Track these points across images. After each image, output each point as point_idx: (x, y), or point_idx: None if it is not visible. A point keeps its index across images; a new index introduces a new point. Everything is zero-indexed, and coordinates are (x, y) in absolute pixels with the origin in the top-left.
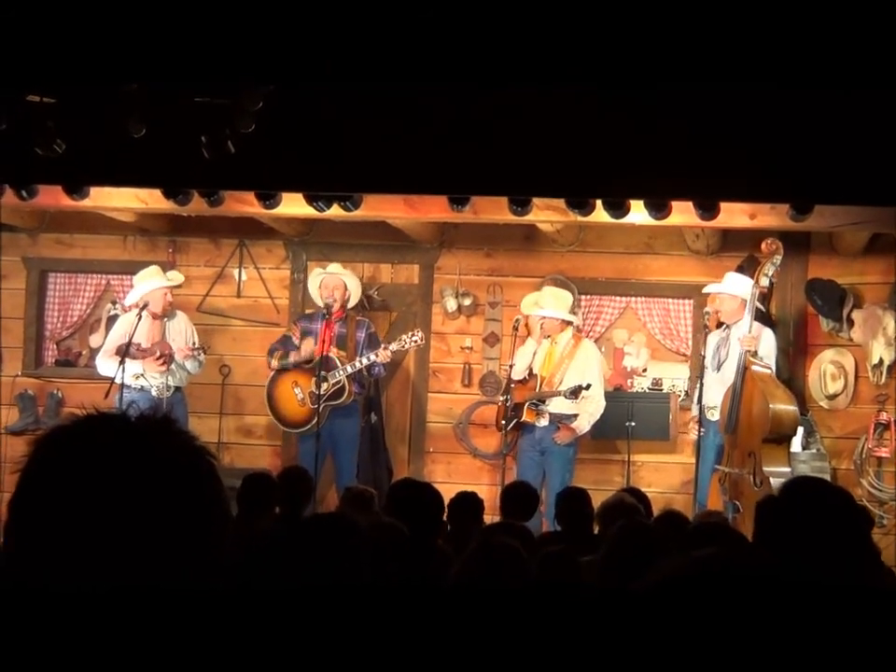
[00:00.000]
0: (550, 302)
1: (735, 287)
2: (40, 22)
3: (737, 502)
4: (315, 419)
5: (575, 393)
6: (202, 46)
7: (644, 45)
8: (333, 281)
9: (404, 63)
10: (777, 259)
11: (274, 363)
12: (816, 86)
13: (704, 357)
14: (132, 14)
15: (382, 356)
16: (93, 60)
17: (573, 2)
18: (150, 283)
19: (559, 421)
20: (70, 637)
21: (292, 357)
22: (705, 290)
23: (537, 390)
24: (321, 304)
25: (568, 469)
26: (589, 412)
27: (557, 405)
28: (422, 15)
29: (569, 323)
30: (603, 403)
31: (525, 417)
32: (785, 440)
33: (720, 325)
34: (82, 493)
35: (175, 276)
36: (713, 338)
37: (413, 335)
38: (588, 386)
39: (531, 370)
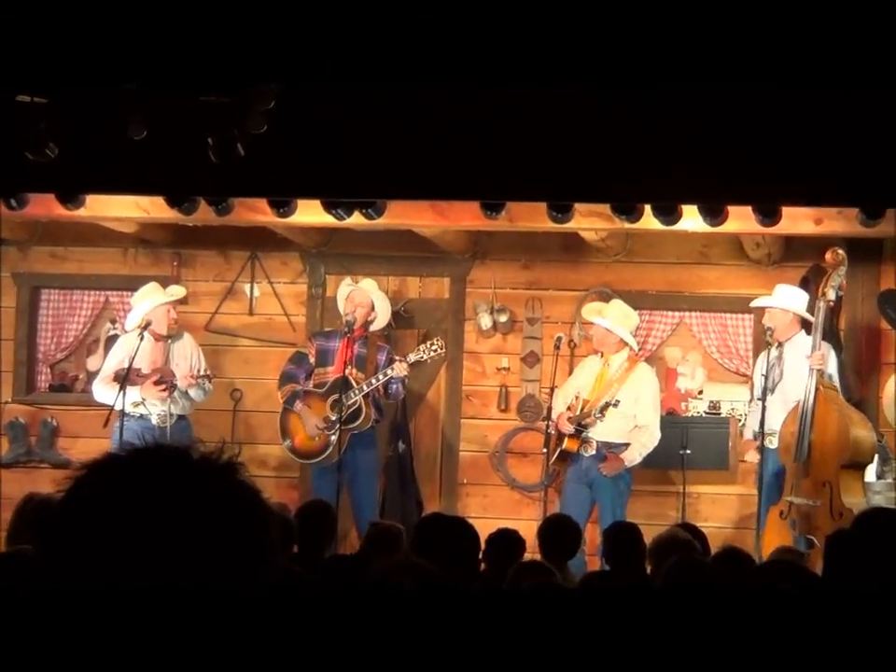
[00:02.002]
0: (614, 315)
1: (785, 301)
2: (35, 18)
3: (811, 537)
4: (331, 449)
5: (603, 410)
6: (201, 47)
7: (645, 45)
8: (361, 297)
9: (404, 62)
10: (843, 269)
11: (280, 398)
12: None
13: (766, 378)
14: (130, 15)
15: (398, 368)
16: (90, 59)
17: (573, 2)
18: (150, 300)
19: (608, 450)
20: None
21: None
22: (752, 304)
23: (577, 414)
24: (343, 316)
25: (620, 504)
26: (642, 442)
27: (605, 432)
28: (422, 15)
29: (626, 344)
30: (658, 435)
31: (567, 445)
32: (861, 468)
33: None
34: (131, 523)
35: (177, 291)
36: (763, 358)
37: (432, 344)
38: (616, 403)
39: (577, 394)
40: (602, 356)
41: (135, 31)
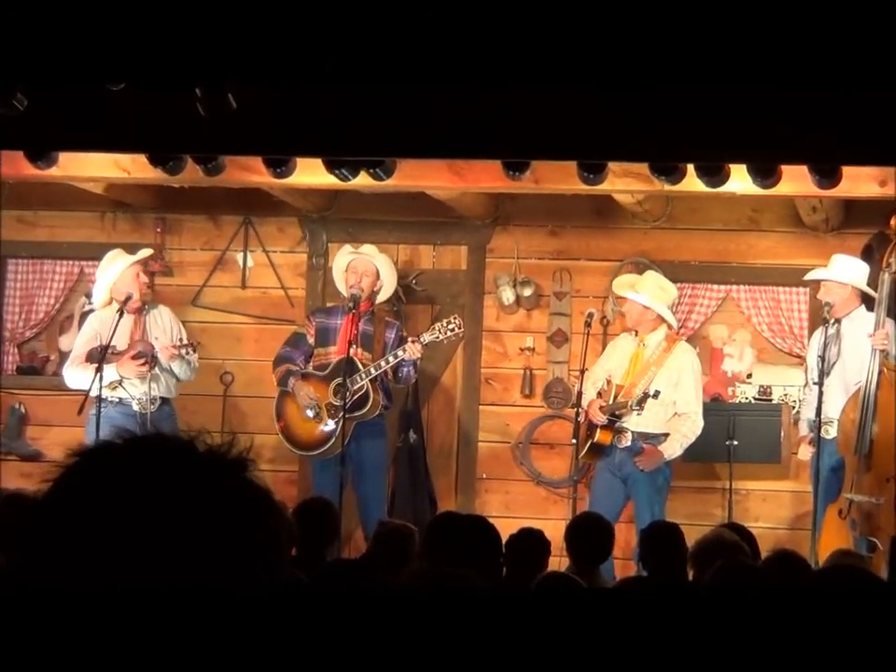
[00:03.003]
0: (649, 289)
1: (842, 274)
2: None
3: (874, 539)
4: (334, 439)
5: (641, 403)
6: (198, 46)
7: (645, 45)
8: (364, 265)
9: (404, 62)
10: None
11: (274, 380)
12: None
13: (822, 360)
14: (124, 13)
15: (410, 350)
16: (76, 59)
17: (573, 2)
18: (114, 266)
19: (644, 441)
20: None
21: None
22: (806, 277)
23: (609, 402)
24: (344, 291)
25: (658, 501)
26: (682, 432)
27: (641, 421)
28: (422, 15)
29: (664, 321)
30: (701, 424)
31: (599, 438)
32: None
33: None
34: (128, 523)
35: (143, 251)
36: (818, 335)
37: (448, 323)
38: (656, 394)
39: (609, 378)
40: (636, 335)
41: (125, 34)
